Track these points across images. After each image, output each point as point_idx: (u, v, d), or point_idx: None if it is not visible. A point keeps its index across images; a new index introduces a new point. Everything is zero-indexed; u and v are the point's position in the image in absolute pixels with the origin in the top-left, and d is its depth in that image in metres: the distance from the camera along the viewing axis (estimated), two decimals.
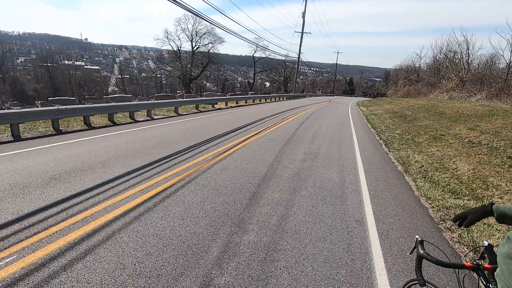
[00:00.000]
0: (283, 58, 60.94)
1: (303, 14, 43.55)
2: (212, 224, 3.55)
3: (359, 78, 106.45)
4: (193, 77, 50.38)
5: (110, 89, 75.02)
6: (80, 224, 3.32)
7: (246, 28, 26.81)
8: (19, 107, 18.44)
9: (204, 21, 47.28)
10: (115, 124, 10.43)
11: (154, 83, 61.20)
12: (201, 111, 16.83)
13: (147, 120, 12.10)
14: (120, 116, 11.87)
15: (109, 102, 12.02)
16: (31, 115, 7.96)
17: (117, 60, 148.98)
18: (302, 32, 44.61)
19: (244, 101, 25.85)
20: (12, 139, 7.24)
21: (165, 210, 3.83)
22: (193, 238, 3.22)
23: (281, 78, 72.25)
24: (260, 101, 30.52)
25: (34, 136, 7.78)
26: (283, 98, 39.55)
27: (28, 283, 2.38)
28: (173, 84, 68.67)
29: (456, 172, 6.41)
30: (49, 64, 64.74)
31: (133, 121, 11.44)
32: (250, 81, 70.23)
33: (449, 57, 33.06)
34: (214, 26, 48.00)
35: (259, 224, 3.65)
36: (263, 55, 57.66)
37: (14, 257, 2.69)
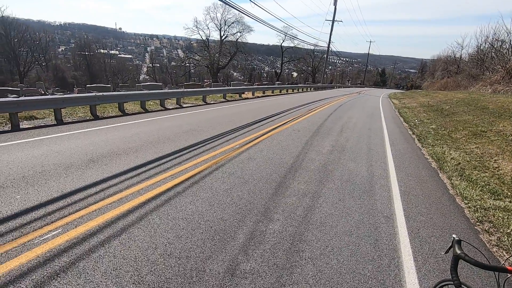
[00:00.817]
0: (312, 47, 59.51)
1: (335, 1, 41.89)
2: (239, 212, 3.63)
3: (392, 69, 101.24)
4: (220, 66, 50.75)
5: (141, 77, 77.87)
6: (116, 204, 3.54)
7: (275, 17, 26.28)
8: (61, 93, 19.73)
9: (233, 10, 47.17)
10: (146, 111, 10.86)
11: (182, 72, 62.51)
12: (228, 100, 17.00)
13: (177, 108, 12.45)
14: (151, 103, 12.32)
15: (141, 90, 12.49)
16: (72, 100, 8.50)
17: (148, 49, 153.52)
18: (333, 20, 43.02)
19: (270, 91, 25.68)
20: (56, 123, 7.81)
21: (194, 195, 3.97)
22: (220, 224, 3.32)
23: (309, 68, 70.68)
24: (287, 91, 30.16)
25: (74, 120, 8.32)
26: (310, 89, 38.76)
27: (71, 255, 2.60)
28: (201, 73, 69.71)
29: (497, 171, 5.97)
30: (86, 53, 68.21)
31: (163, 108, 11.83)
32: (277, 71, 69.34)
33: (495, 46, 30.30)
34: (242, 15, 47.79)
35: (284, 214, 3.67)
36: (292, 45, 56.50)
37: (59, 230, 2.94)
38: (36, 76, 50.77)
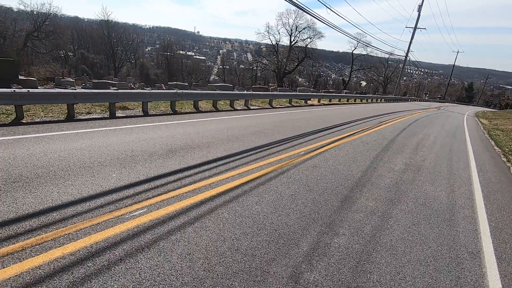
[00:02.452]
0: (386, 56, 55.60)
1: (420, 7, 38.39)
2: (303, 219, 3.60)
3: (482, 83, 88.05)
4: (287, 71, 51.11)
5: (211, 77, 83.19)
6: (191, 194, 3.86)
7: (349, 22, 25.29)
8: (148, 88, 22.35)
9: (305, 16, 47.17)
10: (217, 110, 11.57)
11: (249, 74, 64.81)
12: (293, 106, 17.01)
13: (244, 109, 12.97)
14: (221, 103, 13.09)
15: (214, 90, 13.36)
16: (157, 96, 9.57)
17: (220, 51, 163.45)
18: (415, 28, 39.46)
19: (337, 100, 24.84)
20: (142, 114, 8.89)
21: (259, 196, 4.08)
22: (284, 228, 3.34)
23: (381, 78, 66.22)
24: (354, 101, 28.79)
25: (157, 113, 9.34)
26: (381, 100, 36.28)
27: (153, 234, 2.93)
28: (267, 77, 71.21)
29: None
30: (167, 53, 75.93)
31: (232, 109, 12.45)
32: (345, 79, 66.73)
33: None
34: (314, 21, 47.35)
35: (350, 230, 3.51)
36: (364, 52, 53.80)
37: (144, 210, 3.33)
38: (126, 71, 58.46)
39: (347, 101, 27.00)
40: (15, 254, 2.45)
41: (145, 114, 9.00)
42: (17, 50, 40.24)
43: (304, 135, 8.50)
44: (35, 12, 43.41)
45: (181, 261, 2.60)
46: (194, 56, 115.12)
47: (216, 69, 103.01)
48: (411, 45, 40.57)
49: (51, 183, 3.73)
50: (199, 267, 2.56)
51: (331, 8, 18.34)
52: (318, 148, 7.08)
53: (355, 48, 53.79)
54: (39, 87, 15.92)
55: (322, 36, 48.42)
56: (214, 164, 5.08)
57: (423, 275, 2.85)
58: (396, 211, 4.20)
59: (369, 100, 32.76)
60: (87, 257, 2.51)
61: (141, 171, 4.42)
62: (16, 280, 2.19)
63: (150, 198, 3.63)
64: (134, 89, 23.24)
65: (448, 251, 3.33)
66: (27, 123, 6.57)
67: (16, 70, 12.94)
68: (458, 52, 68.70)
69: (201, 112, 10.73)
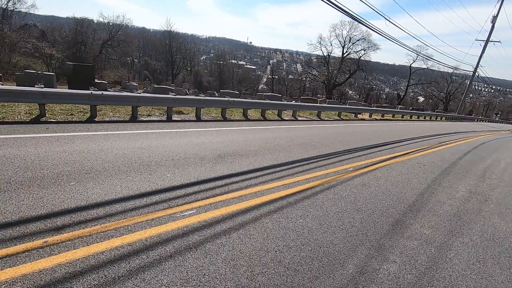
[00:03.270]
0: (450, 70, 51.06)
1: (494, 18, 34.63)
2: (349, 240, 3.44)
3: None
4: (337, 83, 49.92)
5: (260, 86, 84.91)
6: (237, 200, 3.95)
7: (409, 34, 23.84)
8: (202, 95, 23.68)
9: (360, 27, 45.74)
10: (265, 119, 11.76)
11: (298, 85, 64.71)
12: (342, 119, 16.49)
13: (292, 120, 12.96)
14: (269, 112, 13.26)
15: (263, 99, 13.61)
16: (210, 102, 10.09)
17: (270, 61, 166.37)
18: (487, 41, 35.63)
19: (391, 115, 23.43)
20: (195, 119, 9.43)
21: (304, 210, 4.01)
22: (329, 247, 3.23)
23: (442, 94, 60.83)
24: (410, 117, 26.85)
25: (209, 119, 9.83)
26: (441, 118, 33.29)
27: (201, 235, 3.06)
28: (315, 88, 70.35)
29: None
30: (220, 62, 79.72)
31: (280, 119, 12.53)
32: (400, 93, 62.65)
33: None
34: (370, 32, 45.65)
35: (402, 257, 3.25)
36: (424, 66, 50.11)
37: (194, 211, 3.51)
38: (182, 78, 62.67)
39: (402, 117, 25.29)
40: (84, 238, 2.76)
41: (198, 119, 9.53)
42: (94, 56, 45.93)
43: (352, 150, 8.17)
44: (110, 23, 49.29)
45: (225, 265, 2.67)
46: (245, 65, 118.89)
47: (265, 79, 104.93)
48: (481, 59, 36.68)
49: (115, 177, 4.15)
50: (242, 274, 2.60)
51: (390, 20, 17.52)
52: (368, 166, 6.74)
53: (414, 61, 50.48)
54: (108, 89, 17.91)
55: (377, 48, 46.52)
56: (261, 173, 5.15)
57: None
58: (457, 243, 3.78)
59: (428, 118, 30.26)
60: (142, 249, 2.71)
61: (192, 173, 4.67)
62: (84, 262, 2.46)
63: (199, 200, 3.81)
64: (188, 95, 24.80)
65: None
66: (99, 122, 7.43)
67: (93, 74, 14.80)
68: None
69: (250, 120, 11.00)
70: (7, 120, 6.68)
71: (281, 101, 14.97)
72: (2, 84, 12.56)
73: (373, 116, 20.96)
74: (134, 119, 8.20)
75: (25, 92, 6.81)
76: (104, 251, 2.61)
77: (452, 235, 3.99)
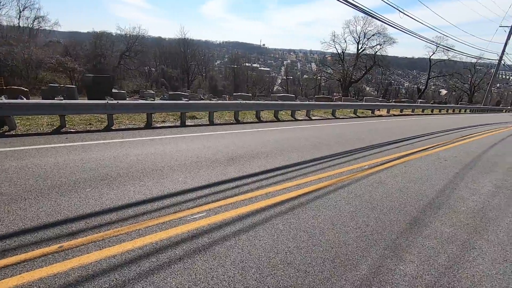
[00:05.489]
0: (473, 60, 48.72)
1: None
2: (363, 239, 3.33)
3: None
4: (353, 80, 48.94)
5: (275, 88, 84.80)
6: (247, 202, 3.94)
7: (427, 25, 22.97)
8: (215, 99, 23.99)
9: (374, 22, 44.65)
10: (278, 120, 11.70)
11: (313, 84, 64.03)
12: (359, 117, 16.11)
13: (306, 120, 12.81)
14: (283, 113, 13.19)
15: (276, 101, 13.57)
16: (222, 106, 10.18)
17: (284, 62, 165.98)
18: None
19: (410, 110, 22.63)
20: (208, 123, 9.53)
21: (316, 210, 3.93)
22: (341, 247, 3.14)
23: (465, 86, 58.09)
24: (432, 111, 25.80)
25: (222, 123, 9.91)
26: (465, 110, 31.77)
27: (210, 237, 3.06)
28: (331, 87, 69.28)
29: None
30: (234, 66, 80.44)
31: (293, 119, 12.43)
32: (421, 87, 60.44)
33: None
34: (385, 26, 44.44)
35: (420, 257, 3.10)
36: (445, 57, 48.09)
37: (204, 214, 3.53)
38: (197, 84, 63.82)
39: (423, 111, 24.35)
40: (97, 242, 2.84)
41: (211, 123, 9.64)
42: (113, 67, 47.79)
43: (368, 148, 7.94)
44: (127, 35, 51.12)
45: (234, 267, 2.66)
46: (259, 68, 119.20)
47: (279, 80, 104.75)
48: (507, 46, 34.67)
49: (129, 182, 4.26)
50: (250, 276, 2.57)
51: (404, 12, 16.96)
52: (385, 163, 6.52)
53: (434, 53, 48.54)
54: (127, 99, 18.53)
55: (393, 42, 45.16)
56: (272, 174, 5.11)
57: None
58: (481, 242, 3.56)
59: (451, 111, 28.96)
60: (152, 252, 2.76)
61: (203, 176, 4.71)
62: (96, 265, 2.53)
63: (209, 203, 3.83)
64: (203, 99, 25.18)
65: None
66: (115, 130, 7.68)
67: (111, 85, 15.40)
68: None
69: (263, 122, 10.98)
70: (31, 132, 7.05)
71: (294, 101, 14.85)
72: (28, 99, 13.34)
73: (391, 112, 20.32)
74: (149, 125, 8.42)
75: (46, 104, 7.16)
76: (116, 255, 2.68)
77: (476, 233, 3.77)
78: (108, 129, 7.73)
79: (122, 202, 3.65)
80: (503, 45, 34.78)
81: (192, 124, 9.24)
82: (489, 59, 44.98)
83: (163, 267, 2.58)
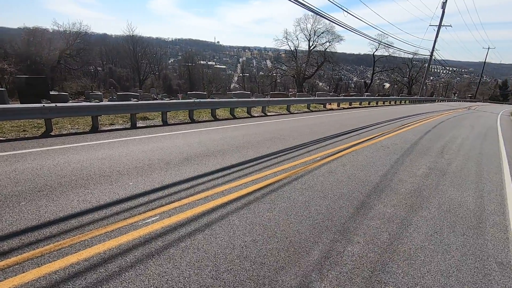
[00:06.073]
0: (410, 56, 53.79)
1: (443, 4, 36.85)
2: (315, 226, 3.51)
3: None
4: (306, 76, 50.84)
5: (232, 85, 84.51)
6: (203, 201, 3.90)
7: (369, 24, 24.78)
8: (167, 99, 23.11)
9: (323, 20, 46.84)
10: (234, 117, 11.70)
11: (269, 81, 65.15)
12: (312, 111, 16.82)
13: (262, 116, 13.01)
14: (239, 110, 13.23)
15: (231, 98, 13.54)
16: (176, 105, 9.86)
17: (240, 60, 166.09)
18: (440, 25, 37.89)
19: (358, 103, 24.26)
20: (162, 124, 9.18)
21: (272, 203, 4.03)
22: (295, 236, 3.27)
23: (405, 79, 63.96)
24: (376, 103, 27.96)
25: (176, 122, 9.61)
26: (405, 102, 34.97)
27: (164, 241, 2.98)
28: (287, 83, 71.20)
29: None
30: (189, 64, 78.28)
31: (250, 116, 12.54)
32: (367, 81, 65.10)
33: None
34: (333, 24, 46.90)
35: (366, 237, 3.37)
36: (386, 53, 52.38)
37: (157, 217, 3.41)
38: (150, 83, 60.84)
39: (369, 104, 26.28)
40: (35, 259, 2.58)
41: (164, 123, 9.29)
42: (52, 67, 43.31)
43: (320, 140, 8.36)
44: (67, 32, 46.64)
45: (189, 268, 2.62)
46: (215, 66, 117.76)
47: (236, 77, 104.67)
48: (436, 43, 38.96)
49: (72, 191, 3.93)
50: (207, 274, 2.56)
51: (348, 11, 18.07)
52: (335, 153, 6.93)
53: (377, 49, 52.56)
54: (70, 101, 16.96)
55: (341, 40, 47.89)
56: (228, 171, 5.11)
57: (443, 287, 2.66)
58: (417, 218, 3.98)
59: (393, 102, 31.68)
60: (100, 263, 2.59)
61: (156, 179, 4.54)
62: (34, 284, 2.30)
63: (163, 205, 3.71)
64: (156, 99, 24.11)
65: (473, 262, 3.09)
66: (55, 135, 7.01)
67: (46, 86, 13.90)
68: (488, 48, 65.04)
69: (219, 120, 10.90)
70: None
71: (250, 98, 14.99)
72: None
73: (341, 105, 21.59)
74: (95, 129, 7.83)
75: None
76: (58, 270, 2.46)
77: (413, 211, 4.20)
78: (46, 135, 7.01)
79: (64, 213, 3.36)
80: (433, 42, 38.99)
81: (144, 125, 8.81)
82: (422, 55, 50.33)
83: (112, 277, 2.44)
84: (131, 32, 59.55)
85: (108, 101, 20.56)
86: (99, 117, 8.31)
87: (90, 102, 13.55)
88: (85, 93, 28.59)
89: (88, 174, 4.55)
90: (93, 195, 3.86)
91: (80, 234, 2.99)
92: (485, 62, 65.80)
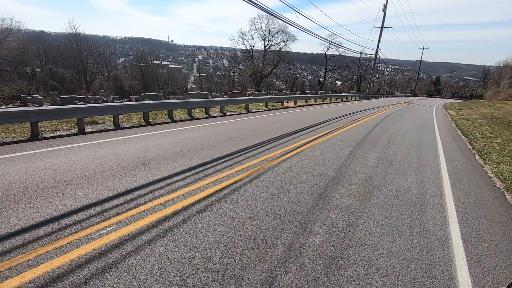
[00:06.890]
0: (357, 55, 57.62)
1: (384, 7, 40.11)
2: (278, 222, 3.60)
3: (448, 77, 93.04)
4: (263, 75, 51.56)
5: (189, 86, 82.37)
6: (163, 206, 3.75)
7: (320, 25, 25.97)
8: (119, 101, 21.74)
9: (277, 20, 47.83)
10: (193, 118, 11.43)
11: (227, 81, 64.84)
12: (270, 109, 17.14)
13: (220, 116, 12.90)
14: (197, 111, 12.95)
15: (188, 99, 13.21)
16: (128, 107, 9.31)
17: (196, 59, 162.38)
18: (382, 27, 41.17)
19: (313, 100, 25.31)
20: (114, 128, 8.60)
21: (234, 202, 4.03)
22: (259, 233, 3.32)
23: (354, 77, 68.33)
24: (330, 100, 29.47)
25: (130, 126, 9.08)
26: (355, 98, 37.39)
27: (122, 251, 2.81)
28: (244, 82, 71.47)
29: None
30: (142, 64, 74.43)
31: (208, 116, 12.35)
32: (321, 79, 68.22)
33: None
34: (287, 25, 48.23)
35: (325, 228, 3.54)
36: (336, 53, 55.35)
37: (113, 227, 3.20)
38: (99, 85, 56.63)
39: (323, 101, 27.59)
40: None
41: (117, 127, 8.73)
42: None
43: (280, 137, 8.56)
44: None
45: (151, 277, 2.51)
46: (170, 65, 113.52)
47: (193, 77, 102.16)
48: (380, 43, 42.26)
49: (9, 207, 3.50)
50: (170, 281, 2.48)
51: (300, 12, 18.72)
52: (294, 150, 7.15)
53: (328, 49, 55.22)
54: (2, 107, 15.05)
55: (295, 39, 49.34)
56: (188, 174, 4.99)
57: (395, 266, 2.91)
58: (370, 206, 4.30)
59: (345, 99, 33.65)
60: (48, 283, 2.36)
61: (110, 187, 4.25)
62: None
63: (119, 214, 3.49)
64: (107, 102, 22.52)
65: (418, 240, 3.43)
66: None
67: None
68: (423, 48, 72.66)
69: (176, 121, 10.56)
70: None
71: (208, 98, 14.77)
72: None
73: (298, 103, 22.35)
74: (35, 137, 7.05)
75: None
76: None
77: (365, 199, 4.52)
78: None
79: (0, 232, 2.98)
80: (377, 42, 42.22)
81: (94, 130, 8.17)
82: (368, 54, 54.16)
83: None
84: (73, 30, 54.76)
85: (50, 105, 18.69)
86: (40, 124, 7.51)
87: (27, 107, 12.18)
88: (21, 97, 25.60)
89: (29, 187, 4.09)
90: (36, 210, 3.48)
91: (22, 254, 2.68)
92: (421, 60, 73.27)
